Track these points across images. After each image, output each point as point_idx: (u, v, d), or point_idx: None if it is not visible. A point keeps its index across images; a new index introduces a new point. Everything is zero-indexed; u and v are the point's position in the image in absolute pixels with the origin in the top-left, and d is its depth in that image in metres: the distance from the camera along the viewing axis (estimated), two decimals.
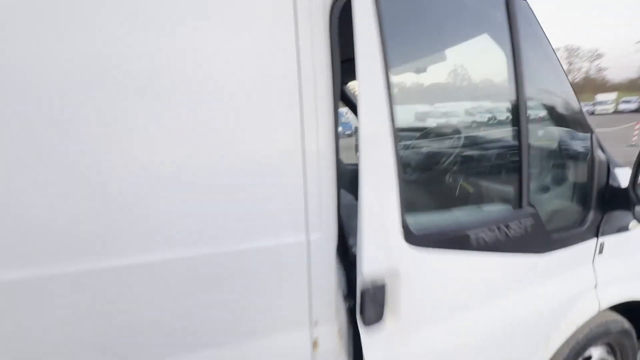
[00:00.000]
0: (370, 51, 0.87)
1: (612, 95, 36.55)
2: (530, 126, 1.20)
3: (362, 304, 0.91)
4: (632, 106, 31.52)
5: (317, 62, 0.88)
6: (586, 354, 1.56)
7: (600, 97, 36.43)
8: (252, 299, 0.90)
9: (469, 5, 1.31)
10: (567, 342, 1.43)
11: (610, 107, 33.81)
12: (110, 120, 0.73)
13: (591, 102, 36.46)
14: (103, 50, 0.71)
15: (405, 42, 1.57)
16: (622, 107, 32.48)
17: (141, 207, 0.76)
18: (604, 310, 1.53)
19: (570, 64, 63.29)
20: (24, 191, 0.69)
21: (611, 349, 1.65)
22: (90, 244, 0.74)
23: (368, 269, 0.90)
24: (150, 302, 0.81)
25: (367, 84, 0.88)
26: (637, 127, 12.88)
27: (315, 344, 0.99)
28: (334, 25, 0.88)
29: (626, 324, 1.60)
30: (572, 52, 62.20)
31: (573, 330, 1.41)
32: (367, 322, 0.93)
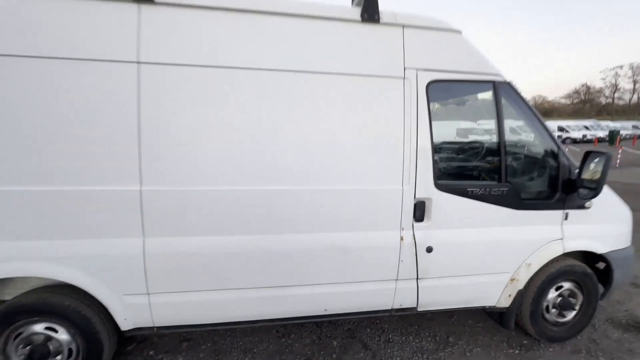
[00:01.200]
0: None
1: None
2: (516, 146, 2.29)
3: (414, 211, 2.12)
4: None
5: (420, 117, 2.10)
6: (559, 283, 2.54)
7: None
8: (376, 214, 2.11)
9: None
10: (542, 270, 2.44)
11: None
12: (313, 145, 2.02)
13: None
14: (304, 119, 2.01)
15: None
16: None
17: (315, 168, 2.03)
18: (569, 256, 2.51)
19: (635, 82, 59.05)
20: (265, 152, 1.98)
21: (578, 286, 2.60)
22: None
23: (419, 196, 2.09)
24: (312, 210, 2.05)
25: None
26: (619, 151, 14.07)
27: (402, 238, 2.17)
28: (428, 97, 2.09)
29: (588, 269, 2.55)
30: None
31: (545, 262, 2.41)
32: (417, 220, 2.12)
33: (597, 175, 2.21)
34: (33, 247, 1.83)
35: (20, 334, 1.94)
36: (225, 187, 1.96)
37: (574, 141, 23.79)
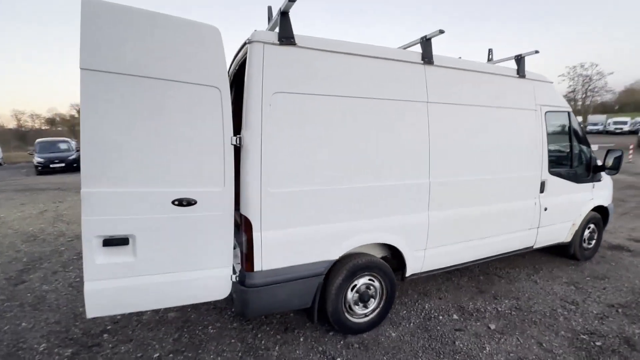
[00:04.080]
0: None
1: (602, 117, 39.56)
2: (574, 149, 4.07)
3: (540, 187, 3.72)
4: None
5: (543, 132, 3.66)
6: (589, 225, 4.44)
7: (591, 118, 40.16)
8: (525, 190, 3.64)
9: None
10: (584, 218, 4.30)
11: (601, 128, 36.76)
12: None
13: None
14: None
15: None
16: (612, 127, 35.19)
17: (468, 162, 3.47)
18: (593, 210, 4.45)
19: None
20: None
21: (597, 226, 4.56)
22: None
23: (542, 178, 3.71)
24: (497, 189, 3.51)
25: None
26: (631, 147, 17.30)
27: (535, 204, 3.74)
28: (546, 120, 3.67)
29: (598, 216, 4.53)
30: None
31: (587, 212, 4.27)
32: (540, 192, 3.75)
33: (615, 163, 4.14)
34: (375, 223, 2.83)
35: (355, 285, 2.85)
36: (465, 177, 3.21)
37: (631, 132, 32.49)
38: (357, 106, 2.67)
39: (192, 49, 2.18)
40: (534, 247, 3.97)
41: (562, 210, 4.05)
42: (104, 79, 2.00)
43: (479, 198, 3.35)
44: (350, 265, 2.76)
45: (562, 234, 4.19)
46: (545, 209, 3.84)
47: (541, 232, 3.92)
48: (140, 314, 3.22)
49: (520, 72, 3.56)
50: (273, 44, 2.37)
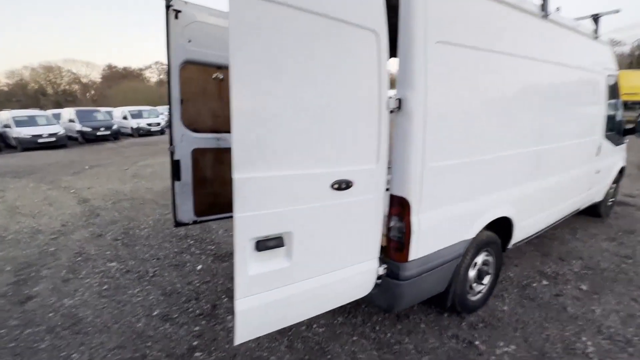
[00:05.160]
0: None
1: None
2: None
3: (597, 150, 3.87)
4: None
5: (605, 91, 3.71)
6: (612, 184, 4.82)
7: None
8: (593, 150, 3.72)
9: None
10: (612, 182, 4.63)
11: None
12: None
13: None
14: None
15: None
16: None
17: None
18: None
19: None
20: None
21: (617, 185, 4.96)
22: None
23: (599, 143, 3.86)
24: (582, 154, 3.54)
25: None
26: None
27: (596, 170, 3.86)
28: (607, 84, 3.74)
29: (619, 175, 4.92)
30: None
31: (614, 176, 4.59)
32: (595, 155, 3.92)
33: None
34: (502, 196, 2.64)
35: (475, 263, 2.65)
36: (563, 142, 3.15)
37: None
38: (514, 67, 2.41)
39: None
40: (581, 208, 4.17)
41: (606, 171, 4.27)
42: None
43: (567, 163, 3.33)
44: (476, 242, 2.54)
45: (600, 194, 4.46)
46: (597, 172, 4.00)
47: (590, 193, 4.11)
48: (222, 322, 2.68)
49: (597, 33, 3.48)
50: None
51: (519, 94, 2.54)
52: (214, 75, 3.08)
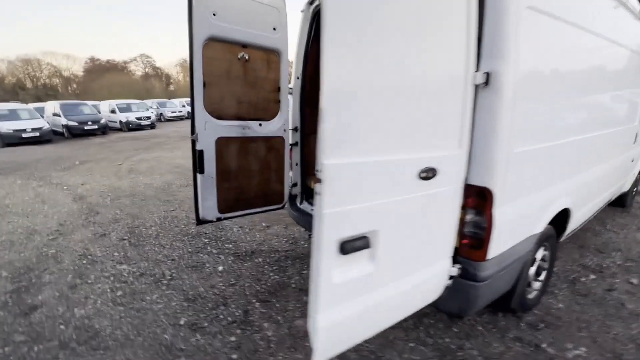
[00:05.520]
0: None
1: None
2: None
3: (636, 136, 3.69)
4: None
5: None
6: None
7: None
8: (632, 136, 3.54)
9: None
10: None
11: None
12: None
13: None
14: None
15: None
16: None
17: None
18: None
19: None
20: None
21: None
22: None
23: (638, 130, 3.69)
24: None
25: None
26: None
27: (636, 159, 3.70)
28: None
29: None
30: None
31: None
32: (634, 143, 3.75)
33: None
34: (566, 186, 2.42)
35: (535, 259, 2.43)
36: (612, 129, 2.94)
37: None
38: (595, 45, 2.24)
39: None
40: (613, 197, 4.03)
41: (637, 160, 4.14)
42: None
43: (614, 151, 3.15)
44: (539, 237, 2.32)
45: (629, 182, 4.34)
46: (632, 160, 3.86)
47: (623, 182, 3.97)
48: (259, 330, 2.40)
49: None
50: None
51: (594, 75, 2.34)
52: (240, 55, 2.75)
